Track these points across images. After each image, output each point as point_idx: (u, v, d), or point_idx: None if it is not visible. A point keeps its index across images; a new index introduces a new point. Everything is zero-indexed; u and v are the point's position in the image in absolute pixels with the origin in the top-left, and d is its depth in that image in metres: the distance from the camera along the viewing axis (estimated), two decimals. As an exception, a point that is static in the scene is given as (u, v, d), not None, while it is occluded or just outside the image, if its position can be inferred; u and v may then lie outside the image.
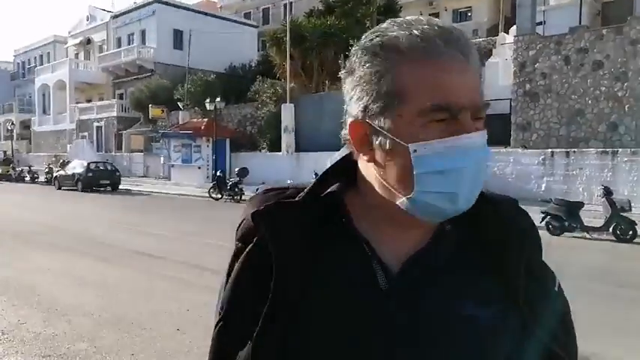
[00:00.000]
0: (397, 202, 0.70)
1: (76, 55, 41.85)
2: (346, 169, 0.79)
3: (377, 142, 0.70)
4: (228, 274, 0.77)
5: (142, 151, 29.73)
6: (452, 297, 0.72)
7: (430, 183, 0.67)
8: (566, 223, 9.66)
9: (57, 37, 46.05)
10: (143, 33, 35.06)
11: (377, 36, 0.69)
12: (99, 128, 34.83)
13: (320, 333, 0.70)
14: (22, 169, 30.16)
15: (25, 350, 4.11)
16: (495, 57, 20.02)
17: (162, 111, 28.79)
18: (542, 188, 13.96)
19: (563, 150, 14.08)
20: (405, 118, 0.67)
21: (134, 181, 26.48)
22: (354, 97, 0.71)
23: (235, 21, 37.98)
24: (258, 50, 36.07)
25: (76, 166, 23.34)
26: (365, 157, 0.73)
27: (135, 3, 36.71)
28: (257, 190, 0.86)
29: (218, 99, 22.23)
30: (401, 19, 0.70)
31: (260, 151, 22.85)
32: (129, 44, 35.67)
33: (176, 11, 33.98)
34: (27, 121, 44.53)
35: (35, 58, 48.33)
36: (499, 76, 18.34)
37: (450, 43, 0.66)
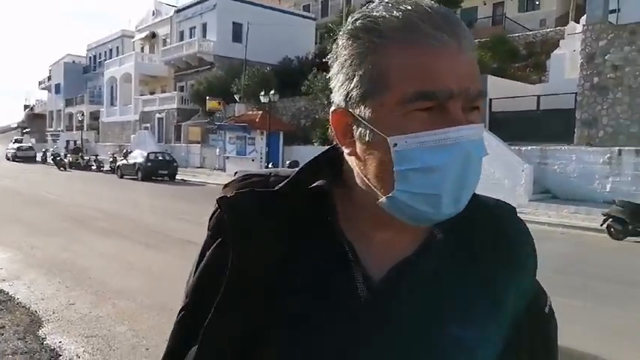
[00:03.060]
0: (378, 202, 0.63)
1: (142, 48, 43.64)
2: (333, 161, 0.71)
3: (357, 133, 0.63)
4: (197, 263, 0.72)
5: (199, 143, 30.58)
6: (435, 312, 0.65)
7: (412, 182, 0.59)
8: (630, 227, 9.01)
9: (125, 31, 48.20)
10: (204, 26, 35.99)
11: (360, 18, 0.63)
12: (160, 120, 36.18)
13: (288, 338, 0.64)
14: (89, 158, 31.90)
15: (71, 330, 4.29)
16: (562, 48, 18.98)
17: (220, 103, 29.46)
18: (607, 189, 13.07)
19: (633, 148, 13.11)
20: (386, 106, 0.60)
21: (191, 171, 27.32)
22: (337, 84, 0.65)
23: (293, 13, 38.22)
24: (316, 43, 36.12)
25: (137, 156, 24.38)
26: (346, 150, 0.66)
27: (197, -3, 37.77)
28: (235, 174, 0.76)
29: (272, 92, 22.47)
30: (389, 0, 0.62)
31: (313, 144, 22.93)
32: (190, 38, 36.75)
33: (236, 4, 34.57)
34: (96, 112, 47.01)
35: (105, 52, 50.86)
36: (565, 68, 17.40)
37: (439, 26, 0.59)
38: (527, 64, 22.40)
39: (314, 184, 0.69)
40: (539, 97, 15.93)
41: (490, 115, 16.70)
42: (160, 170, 23.21)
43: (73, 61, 56.82)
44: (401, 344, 0.64)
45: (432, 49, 0.58)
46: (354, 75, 0.62)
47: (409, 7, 0.60)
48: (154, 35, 42.06)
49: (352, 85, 0.62)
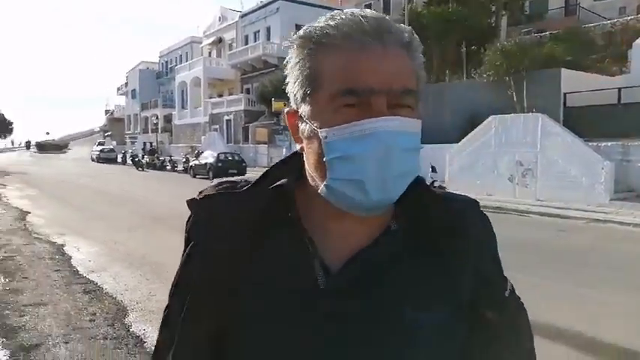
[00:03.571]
0: (319, 192, 0.69)
1: (210, 53, 45.31)
2: (295, 162, 0.78)
3: (301, 130, 0.71)
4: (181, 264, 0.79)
5: (266, 143, 31.31)
6: (392, 298, 0.70)
7: (340, 169, 0.66)
8: None
9: (194, 37, 50.29)
10: (268, 30, 36.82)
11: (304, 28, 0.71)
12: (228, 121, 37.39)
13: (252, 330, 0.70)
14: (164, 159, 33.57)
15: (153, 319, 4.57)
16: (645, 37, 17.68)
17: (285, 104, 29.72)
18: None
19: None
20: (319, 104, 0.68)
21: (259, 171, 28.01)
22: (289, 88, 0.73)
23: (355, 13, 38.15)
24: (378, 41, 35.86)
25: (208, 157, 25.39)
26: (298, 147, 0.74)
27: (261, 2, 38.65)
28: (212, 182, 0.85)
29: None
30: (331, 13, 0.71)
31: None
32: (255, 41, 37.70)
33: (298, 7, 35.08)
34: (169, 115, 49.35)
35: (176, 58, 53.30)
36: (648, 58, 16.20)
37: (366, 32, 0.66)
38: (605, 56, 21.05)
39: (275, 184, 0.75)
40: (620, 89, 14.93)
41: (564, 111, 15.87)
42: (230, 170, 24.02)
43: (147, 68, 60.00)
44: (360, 331, 0.68)
45: (359, 51, 0.65)
46: (298, 78, 0.70)
47: (343, 17, 0.68)
48: (220, 40, 43.54)
49: (296, 87, 0.70)
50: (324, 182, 0.68)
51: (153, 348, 3.06)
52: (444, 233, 0.73)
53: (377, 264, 0.71)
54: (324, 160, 0.67)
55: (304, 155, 0.73)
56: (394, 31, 0.68)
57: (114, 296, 5.25)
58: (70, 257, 7.12)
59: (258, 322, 0.70)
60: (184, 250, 0.77)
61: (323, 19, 0.70)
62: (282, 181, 0.75)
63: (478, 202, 0.81)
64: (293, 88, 0.71)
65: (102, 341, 3.96)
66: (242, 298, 0.70)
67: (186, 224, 0.78)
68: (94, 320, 4.45)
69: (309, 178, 0.73)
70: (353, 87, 0.65)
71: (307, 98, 0.69)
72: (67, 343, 3.91)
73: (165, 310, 0.78)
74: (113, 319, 4.51)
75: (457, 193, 0.82)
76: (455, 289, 0.72)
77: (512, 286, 0.78)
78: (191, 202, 0.77)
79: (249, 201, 0.74)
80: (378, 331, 0.68)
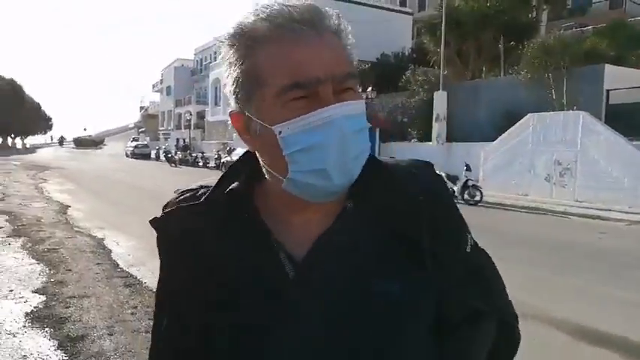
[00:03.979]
0: (282, 186, 0.70)
1: (243, 50, 45.69)
2: (248, 163, 0.79)
3: (252, 130, 0.71)
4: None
5: (297, 140, 31.40)
6: (358, 274, 0.71)
7: (300, 162, 0.67)
8: None
9: (228, 35, 50.84)
10: (301, 26, 36.86)
11: (235, 27, 0.70)
12: (260, 118, 37.66)
13: (233, 328, 0.72)
14: (196, 155, 34.09)
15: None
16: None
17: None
18: None
19: None
20: (267, 101, 0.68)
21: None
22: (228, 89, 0.72)
23: (389, 9, 37.82)
24: (413, 38, 35.48)
25: (240, 154, 25.56)
26: (250, 147, 0.75)
27: (294, -2, 38.73)
28: (175, 192, 0.85)
29: (370, 89, 22.45)
30: (256, 7, 0.70)
31: (409, 141, 22.57)
32: (288, 38, 37.84)
33: (330, 2, 34.39)
34: (202, 112, 50.12)
35: (210, 55, 54.01)
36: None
37: (300, 22, 0.66)
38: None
39: (229, 187, 0.76)
40: (668, 86, 14.33)
41: (607, 108, 15.33)
42: (260, 166, 24.23)
43: (182, 65, 61.03)
44: (332, 310, 0.70)
45: (296, 43, 0.65)
46: (237, 78, 0.70)
47: (274, 11, 0.67)
48: (254, 37, 43.86)
49: (237, 87, 0.70)
50: (287, 176, 0.68)
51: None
52: (396, 201, 0.74)
53: (339, 243, 0.73)
54: (283, 155, 0.67)
55: (257, 154, 0.74)
56: (325, 17, 0.69)
57: (153, 290, 5.32)
58: (110, 251, 7.30)
59: (237, 324, 0.72)
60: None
61: (251, 14, 0.69)
62: (235, 184, 0.76)
63: (430, 163, 0.82)
64: (233, 88, 0.71)
65: (144, 334, 4.04)
66: (219, 306, 0.72)
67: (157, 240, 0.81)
68: (136, 314, 4.55)
69: (267, 175, 0.74)
70: (299, 80, 0.65)
71: (252, 97, 0.69)
72: (111, 335, 4.01)
73: (153, 320, 0.84)
74: (154, 313, 4.59)
75: (407, 159, 0.83)
76: (417, 254, 0.72)
77: (473, 240, 0.80)
78: (153, 222, 0.79)
79: (209, 210, 0.75)
80: (351, 305, 0.70)
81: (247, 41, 0.68)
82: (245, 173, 0.78)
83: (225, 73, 0.72)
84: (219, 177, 0.79)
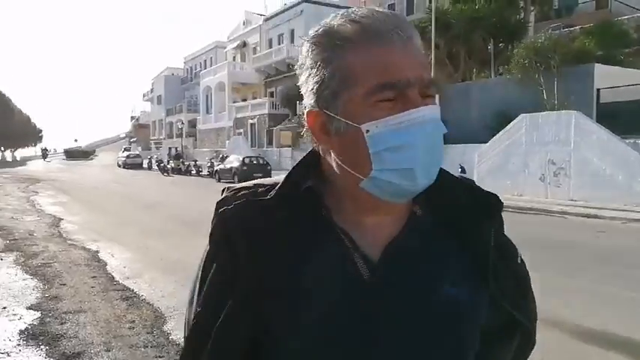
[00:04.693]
0: (360, 185, 0.71)
1: (234, 57, 45.71)
2: (313, 164, 0.79)
3: (333, 128, 0.72)
4: (203, 274, 0.78)
5: (290, 146, 31.38)
6: (430, 280, 0.74)
7: (386, 160, 0.68)
8: None
9: (218, 42, 50.84)
10: (292, 32, 36.92)
11: (323, 27, 0.72)
12: (252, 125, 37.64)
13: (306, 328, 0.71)
14: (189, 164, 33.94)
15: (191, 327, 4.55)
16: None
17: (310, 107, 29.96)
18: None
19: None
20: (355, 100, 0.69)
21: (284, 174, 28.05)
22: (307, 89, 0.73)
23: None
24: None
25: (233, 161, 25.53)
26: (325, 146, 0.75)
27: (285, 4, 38.81)
28: (222, 191, 0.83)
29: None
30: (344, 11, 0.73)
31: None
32: (279, 44, 37.85)
33: (322, 8, 35.06)
34: (193, 120, 49.99)
35: (200, 63, 53.98)
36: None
37: (390, 27, 0.68)
38: (640, 49, 20.42)
39: (305, 186, 0.76)
40: (656, 83, 14.43)
41: (598, 107, 15.42)
42: (254, 173, 24.06)
43: (172, 74, 60.92)
44: (407, 312, 0.72)
45: (388, 46, 0.68)
46: (323, 77, 0.71)
47: (364, 14, 0.70)
48: (244, 44, 43.88)
49: (323, 86, 0.71)
50: (370, 174, 0.69)
51: (196, 357, 2.92)
52: (461, 209, 0.77)
53: (411, 248, 0.75)
54: (367, 153, 0.68)
55: (329, 154, 0.75)
56: (407, 25, 0.71)
57: (151, 303, 5.25)
58: (106, 263, 7.18)
59: (309, 323, 0.71)
60: (210, 258, 0.77)
61: (338, 16, 0.72)
62: (309, 183, 0.76)
63: (474, 181, 0.86)
64: (316, 88, 0.72)
65: (143, 349, 3.94)
66: (290, 303, 0.71)
67: (211, 232, 0.78)
68: (134, 328, 4.45)
69: (340, 175, 0.74)
70: (390, 81, 0.67)
71: (339, 96, 0.70)
72: (108, 351, 3.91)
73: (193, 320, 0.77)
74: (152, 327, 4.49)
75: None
76: (481, 263, 0.76)
77: (521, 255, 0.85)
78: (224, 212, 0.77)
79: (278, 205, 0.75)
80: (424, 307, 0.73)
81: (337, 41, 0.70)
82: (314, 173, 0.78)
83: (306, 72, 0.73)
84: (282, 176, 0.80)
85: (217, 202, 0.79)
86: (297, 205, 0.75)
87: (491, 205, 0.80)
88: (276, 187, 0.77)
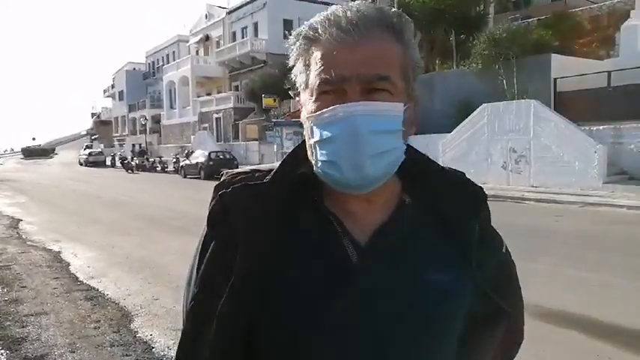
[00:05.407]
0: (315, 173, 0.76)
1: (197, 51, 44.91)
2: (306, 152, 0.81)
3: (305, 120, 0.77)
4: (200, 256, 0.79)
5: (256, 140, 31.16)
6: (416, 265, 0.77)
7: (319, 152, 0.73)
8: None
9: (180, 36, 49.78)
10: (255, 26, 36.54)
11: (304, 25, 0.77)
12: (218, 119, 37.15)
13: (294, 308, 0.73)
14: (154, 160, 33.30)
15: (159, 324, 4.50)
16: (634, 19, 17.74)
17: (275, 100, 29.82)
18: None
19: None
20: (308, 94, 0.75)
21: (250, 168, 27.89)
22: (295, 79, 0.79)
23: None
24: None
25: (199, 156, 25.18)
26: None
27: (247, -3, 38.30)
28: (221, 175, 0.86)
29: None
30: (330, 10, 0.76)
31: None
32: (243, 38, 37.42)
33: (286, 2, 34.84)
34: (157, 115, 48.94)
35: (163, 57, 52.79)
36: (638, 40, 16.27)
37: (341, 26, 0.71)
38: (593, 40, 21.14)
39: (299, 172, 0.79)
40: (609, 72, 14.98)
41: (555, 96, 15.91)
42: (221, 168, 23.77)
43: (134, 69, 59.41)
44: (393, 295, 0.75)
45: (335, 44, 0.71)
46: (297, 72, 0.78)
47: (329, 14, 0.74)
48: (207, 38, 43.15)
49: (297, 77, 0.78)
50: (314, 164, 0.74)
51: (162, 353, 2.96)
52: (449, 201, 0.81)
53: (398, 234, 0.78)
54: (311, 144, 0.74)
55: None
56: (379, 18, 0.72)
57: (117, 302, 5.15)
58: (68, 264, 6.99)
59: (297, 303, 0.73)
60: (208, 240, 0.79)
61: (317, 16, 0.75)
62: (303, 169, 0.79)
63: (464, 173, 0.89)
64: (296, 79, 0.79)
65: (109, 349, 3.87)
66: (280, 283, 0.74)
67: (209, 214, 0.80)
68: (99, 327, 4.35)
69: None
70: (326, 76, 0.71)
71: (302, 90, 0.77)
72: (73, 352, 3.82)
73: (191, 302, 0.79)
74: (118, 326, 4.41)
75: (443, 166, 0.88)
76: (466, 251, 0.79)
77: (506, 245, 0.90)
78: (224, 195, 0.79)
79: (274, 189, 0.77)
80: (407, 290, 0.76)
81: (303, 40, 0.76)
82: (306, 160, 0.80)
83: (293, 63, 0.80)
84: (277, 162, 0.83)
85: (215, 186, 0.82)
86: (291, 190, 0.78)
87: (477, 196, 0.84)
88: (272, 173, 0.80)
